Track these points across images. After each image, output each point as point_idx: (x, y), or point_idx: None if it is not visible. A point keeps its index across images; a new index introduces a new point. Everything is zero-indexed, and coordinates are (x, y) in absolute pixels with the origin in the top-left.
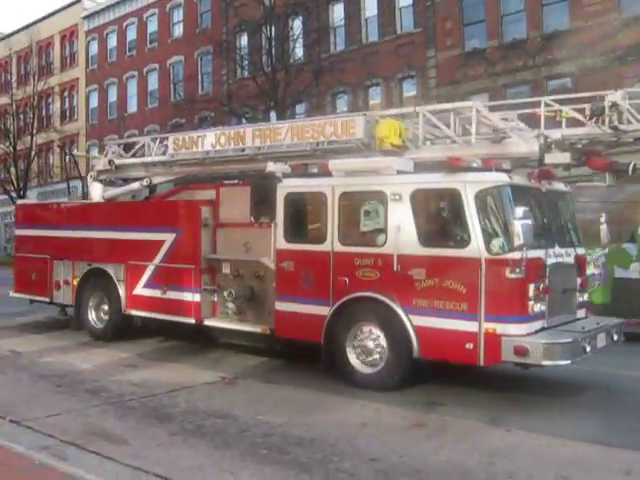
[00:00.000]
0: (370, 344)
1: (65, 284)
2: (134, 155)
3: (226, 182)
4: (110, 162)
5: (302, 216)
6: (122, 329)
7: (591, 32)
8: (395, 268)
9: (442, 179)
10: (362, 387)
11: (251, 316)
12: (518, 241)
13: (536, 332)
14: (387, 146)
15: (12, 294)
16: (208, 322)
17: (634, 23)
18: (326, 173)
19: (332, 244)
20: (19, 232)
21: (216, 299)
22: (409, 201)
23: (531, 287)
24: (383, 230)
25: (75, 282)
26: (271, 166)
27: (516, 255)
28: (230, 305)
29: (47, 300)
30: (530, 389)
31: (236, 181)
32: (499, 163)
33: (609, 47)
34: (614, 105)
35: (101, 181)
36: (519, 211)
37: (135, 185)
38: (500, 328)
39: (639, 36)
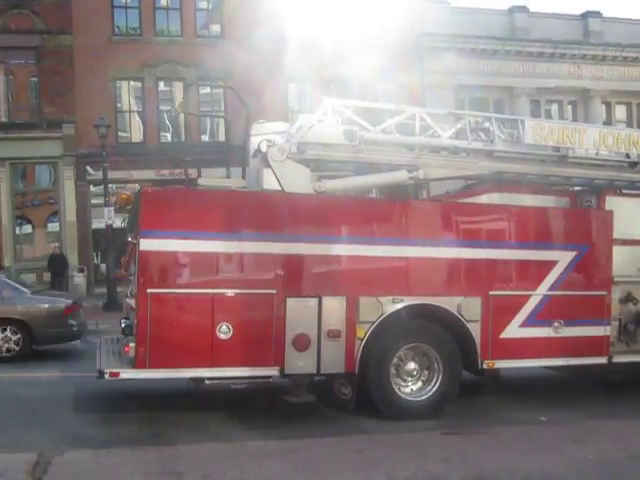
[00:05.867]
0: None
1: (331, 337)
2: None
3: (610, 189)
4: (352, 134)
5: None
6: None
7: None
8: None
9: None
10: None
11: None
12: None
13: None
14: None
15: (139, 374)
16: (619, 358)
17: None
18: None
19: None
20: (159, 245)
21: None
22: None
23: None
24: None
25: (361, 332)
26: None
27: None
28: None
29: (272, 373)
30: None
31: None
32: None
33: None
34: None
35: (304, 162)
36: None
37: (399, 175)
38: None
39: None
